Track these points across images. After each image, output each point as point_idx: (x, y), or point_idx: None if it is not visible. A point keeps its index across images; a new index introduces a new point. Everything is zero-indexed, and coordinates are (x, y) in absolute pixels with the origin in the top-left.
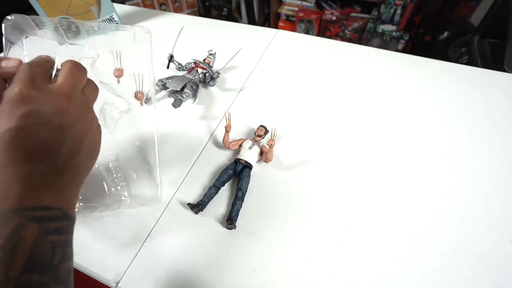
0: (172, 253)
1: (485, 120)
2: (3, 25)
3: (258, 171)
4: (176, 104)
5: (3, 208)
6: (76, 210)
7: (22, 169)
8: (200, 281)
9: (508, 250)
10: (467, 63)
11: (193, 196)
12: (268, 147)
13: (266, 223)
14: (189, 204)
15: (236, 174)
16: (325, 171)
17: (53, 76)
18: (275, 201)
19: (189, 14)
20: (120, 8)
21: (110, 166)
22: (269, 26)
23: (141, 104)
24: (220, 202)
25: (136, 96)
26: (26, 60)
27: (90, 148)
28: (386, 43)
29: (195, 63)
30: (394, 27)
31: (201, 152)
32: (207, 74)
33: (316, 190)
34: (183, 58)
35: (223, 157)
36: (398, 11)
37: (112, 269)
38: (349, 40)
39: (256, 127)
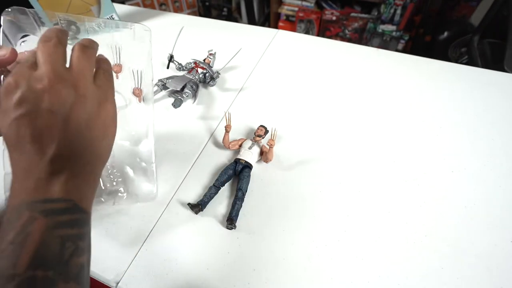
0: (172, 253)
1: (485, 120)
2: (1, 18)
3: (258, 171)
4: (176, 104)
5: (18, 202)
6: None
7: (30, 160)
8: (200, 281)
9: (508, 250)
10: (467, 63)
11: (193, 196)
12: (268, 147)
13: (266, 223)
14: (189, 204)
15: (236, 174)
16: (325, 171)
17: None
18: (275, 201)
19: (189, 14)
20: (120, 8)
21: None
22: (269, 26)
23: (139, 101)
24: (220, 202)
25: (134, 93)
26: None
27: (94, 128)
28: (386, 43)
29: (195, 63)
30: (394, 27)
31: (201, 152)
32: (207, 74)
33: (316, 190)
34: (183, 58)
35: (223, 157)
36: (398, 11)
37: (112, 269)
38: (349, 40)
39: (256, 127)
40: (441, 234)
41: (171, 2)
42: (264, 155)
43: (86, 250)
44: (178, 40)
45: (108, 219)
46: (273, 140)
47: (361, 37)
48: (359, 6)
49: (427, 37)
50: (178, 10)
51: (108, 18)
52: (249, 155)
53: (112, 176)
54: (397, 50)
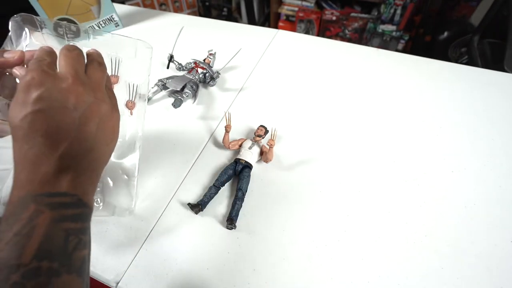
0: (172, 253)
1: (485, 120)
2: (10, 23)
3: (258, 171)
4: (176, 104)
5: (23, 193)
6: None
7: (40, 154)
8: (200, 281)
9: (508, 250)
10: (467, 63)
11: (193, 196)
12: (268, 147)
13: (266, 223)
14: (189, 204)
15: (236, 174)
16: (325, 171)
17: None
18: (275, 201)
19: (189, 14)
20: (120, 8)
21: None
22: (269, 26)
23: (131, 114)
24: (220, 202)
25: (127, 105)
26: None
27: (108, 131)
28: (386, 43)
29: (195, 63)
30: (394, 27)
31: (201, 152)
32: (207, 74)
33: (316, 190)
34: (183, 58)
35: (223, 157)
36: (398, 11)
37: (112, 269)
38: (349, 40)
39: (256, 127)
40: (441, 234)
41: (171, 2)
42: (264, 155)
43: (87, 244)
44: (178, 40)
45: (108, 220)
46: (273, 140)
47: (361, 37)
48: (359, 6)
49: (427, 37)
50: (178, 10)
51: (108, 18)
52: (249, 155)
53: None
54: (397, 50)
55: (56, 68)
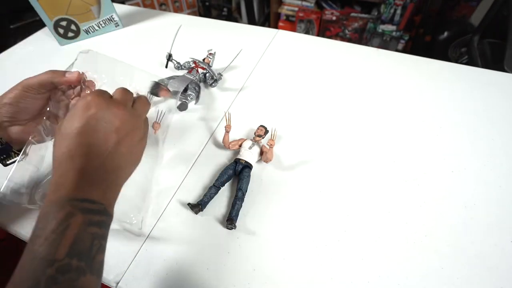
0: (172, 253)
1: (485, 120)
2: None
3: (258, 171)
4: (182, 107)
5: (59, 196)
6: None
7: (80, 162)
8: (200, 281)
9: (508, 250)
10: (467, 63)
11: (193, 196)
12: (268, 147)
13: (266, 223)
14: (189, 204)
15: (236, 174)
16: (325, 171)
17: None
18: (275, 201)
19: (189, 14)
20: (120, 8)
21: None
22: (269, 26)
23: (155, 133)
24: (220, 202)
25: (153, 126)
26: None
27: (135, 155)
28: (386, 43)
29: (194, 62)
30: (394, 27)
31: (201, 152)
32: (207, 74)
33: (316, 190)
34: (183, 58)
35: (223, 157)
36: (398, 11)
37: (112, 269)
38: (349, 40)
39: (256, 127)
40: (441, 234)
41: (171, 2)
42: (264, 155)
43: (105, 250)
44: (178, 40)
45: None
46: (273, 140)
47: (361, 37)
48: (359, 6)
49: (427, 37)
50: (178, 10)
51: (108, 18)
52: (249, 155)
53: None
54: (397, 50)
55: (111, 97)
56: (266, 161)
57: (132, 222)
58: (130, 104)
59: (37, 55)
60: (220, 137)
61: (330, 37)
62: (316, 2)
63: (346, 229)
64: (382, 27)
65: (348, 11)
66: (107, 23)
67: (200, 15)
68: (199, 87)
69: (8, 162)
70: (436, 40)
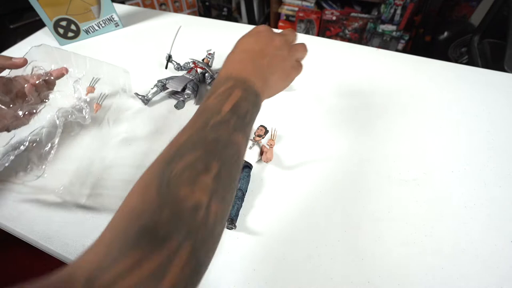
0: None
1: (485, 120)
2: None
3: (258, 171)
4: (179, 106)
5: (230, 74)
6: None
7: (249, 57)
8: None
9: (508, 250)
10: (467, 63)
11: None
12: (268, 147)
13: (266, 223)
14: None
15: None
16: (325, 171)
17: None
18: (275, 201)
19: (189, 14)
20: (120, 8)
21: None
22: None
23: (95, 112)
24: None
25: (94, 106)
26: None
27: (285, 76)
28: (386, 43)
29: (193, 63)
30: (394, 27)
31: None
32: (206, 74)
33: (316, 190)
34: (184, 58)
35: None
36: (398, 11)
37: None
38: (349, 40)
39: (256, 127)
40: (441, 234)
41: (171, 2)
42: (264, 155)
43: (251, 129)
44: (178, 40)
45: (108, 218)
46: (273, 140)
47: (361, 37)
48: (359, 6)
49: (427, 37)
50: (178, 10)
51: (108, 18)
52: (249, 155)
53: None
54: (397, 50)
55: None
56: (266, 161)
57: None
58: (290, 42)
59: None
60: None
61: (330, 37)
62: (316, 2)
63: (346, 229)
64: (382, 27)
65: (348, 11)
66: (107, 23)
67: (200, 15)
68: (198, 87)
69: None
70: (436, 40)
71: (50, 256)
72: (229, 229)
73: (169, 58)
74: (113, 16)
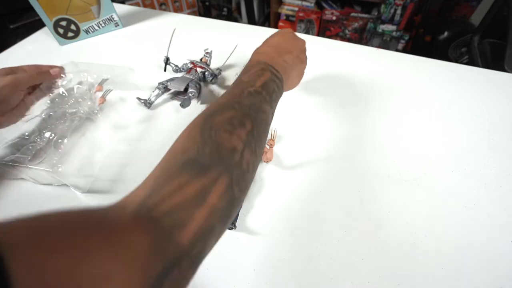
0: None
1: (485, 120)
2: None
3: (258, 171)
4: (185, 104)
5: (261, 59)
6: None
7: (276, 50)
8: (200, 281)
9: (508, 250)
10: (467, 63)
11: None
12: (268, 147)
13: (266, 223)
14: None
15: None
16: (325, 171)
17: None
18: (275, 201)
19: (189, 14)
20: (120, 8)
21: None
22: (269, 26)
23: (99, 104)
24: None
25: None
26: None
27: (298, 74)
28: (386, 43)
29: (192, 63)
30: (394, 27)
31: None
32: (206, 73)
33: (316, 190)
34: (184, 58)
35: None
36: (398, 11)
37: None
38: (349, 40)
39: None
40: (441, 234)
41: (171, 2)
42: (264, 155)
43: (274, 109)
44: (177, 41)
45: None
46: (273, 140)
47: (361, 37)
48: (359, 6)
49: (427, 37)
50: (178, 10)
51: (108, 18)
52: None
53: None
54: (397, 50)
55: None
56: (266, 161)
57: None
58: (305, 50)
59: (37, 55)
60: None
61: (330, 37)
62: (316, 2)
63: (346, 229)
64: (382, 27)
65: (348, 11)
66: (107, 23)
67: (200, 15)
68: (200, 85)
69: None
70: (436, 40)
71: None
72: (229, 229)
73: (167, 61)
74: (113, 16)
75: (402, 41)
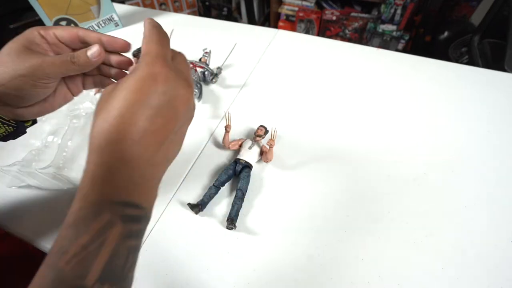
0: (172, 253)
1: (485, 120)
2: None
3: (258, 171)
4: None
5: (101, 197)
6: None
7: (129, 154)
8: (200, 281)
9: (508, 250)
10: (467, 63)
11: (193, 196)
12: (268, 147)
13: (266, 223)
14: (189, 204)
15: (236, 174)
16: (325, 171)
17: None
18: (275, 201)
19: (189, 14)
20: (120, 8)
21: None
22: (269, 26)
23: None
24: (220, 202)
25: None
26: None
27: (181, 130)
28: (386, 43)
29: (191, 63)
30: (394, 27)
31: (201, 152)
32: (206, 73)
33: (316, 190)
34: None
35: (223, 157)
36: (398, 11)
37: None
38: (349, 40)
39: (256, 127)
40: (441, 234)
41: (171, 1)
42: (264, 155)
43: (136, 263)
44: (177, 41)
45: None
46: (273, 140)
47: (361, 37)
48: (359, 6)
49: (427, 37)
50: (178, 9)
51: (107, 18)
52: (249, 155)
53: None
54: (397, 50)
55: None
56: (266, 161)
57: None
58: (169, 55)
59: None
60: (220, 137)
61: (330, 37)
62: (316, 2)
63: (346, 229)
64: (382, 27)
65: (348, 11)
66: (107, 23)
67: (200, 15)
68: (201, 85)
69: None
70: (437, 40)
71: None
72: (229, 229)
73: None
74: (113, 16)
75: (402, 41)
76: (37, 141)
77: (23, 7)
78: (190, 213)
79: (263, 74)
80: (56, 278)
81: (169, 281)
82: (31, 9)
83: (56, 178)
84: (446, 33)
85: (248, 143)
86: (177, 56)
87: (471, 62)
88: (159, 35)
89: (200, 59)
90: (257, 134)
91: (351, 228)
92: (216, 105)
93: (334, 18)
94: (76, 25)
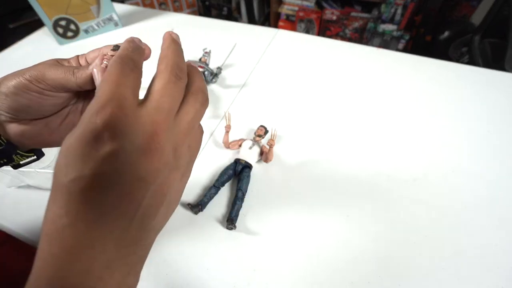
0: (172, 253)
1: (485, 120)
2: None
3: (258, 171)
4: None
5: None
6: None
7: (87, 238)
8: (200, 281)
9: (508, 250)
10: (468, 63)
11: (193, 196)
12: (268, 147)
13: (266, 223)
14: (189, 204)
15: (236, 174)
16: (325, 171)
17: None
18: (275, 201)
19: (189, 13)
20: (119, 7)
21: None
22: (269, 26)
23: None
24: (220, 202)
25: None
26: None
27: (170, 204)
28: (386, 43)
29: (191, 63)
30: (394, 27)
31: (201, 152)
32: (206, 72)
33: (317, 190)
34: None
35: (223, 157)
36: (399, 11)
37: None
38: (350, 39)
39: (256, 127)
40: (441, 234)
41: (171, 1)
42: (264, 155)
43: None
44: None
45: None
46: (273, 140)
47: (361, 37)
48: (359, 5)
49: (427, 37)
50: (178, 9)
51: (107, 18)
52: (249, 155)
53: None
54: (397, 50)
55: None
56: (266, 161)
57: None
58: (173, 115)
59: (37, 54)
60: (220, 137)
61: (330, 36)
62: (316, 1)
63: (346, 229)
64: (382, 27)
65: (348, 10)
66: (106, 22)
67: (200, 14)
68: None
69: (22, 163)
70: (437, 40)
71: None
72: (229, 229)
73: None
74: (112, 16)
75: (403, 40)
76: None
77: (22, 7)
78: (190, 213)
79: (263, 74)
80: None
81: (169, 281)
82: (30, 8)
83: None
84: (446, 33)
85: (248, 143)
86: (193, 95)
87: (471, 62)
88: (128, 64)
89: (200, 59)
90: (257, 134)
91: (351, 228)
92: (216, 105)
93: (334, 18)
94: (75, 24)
